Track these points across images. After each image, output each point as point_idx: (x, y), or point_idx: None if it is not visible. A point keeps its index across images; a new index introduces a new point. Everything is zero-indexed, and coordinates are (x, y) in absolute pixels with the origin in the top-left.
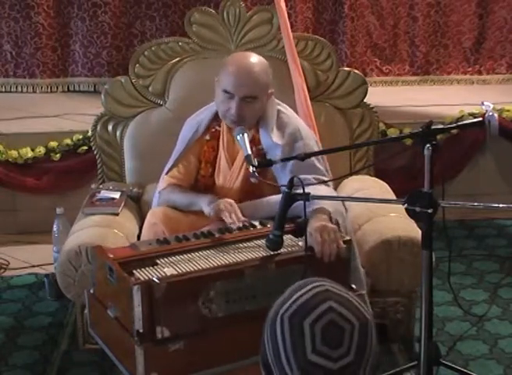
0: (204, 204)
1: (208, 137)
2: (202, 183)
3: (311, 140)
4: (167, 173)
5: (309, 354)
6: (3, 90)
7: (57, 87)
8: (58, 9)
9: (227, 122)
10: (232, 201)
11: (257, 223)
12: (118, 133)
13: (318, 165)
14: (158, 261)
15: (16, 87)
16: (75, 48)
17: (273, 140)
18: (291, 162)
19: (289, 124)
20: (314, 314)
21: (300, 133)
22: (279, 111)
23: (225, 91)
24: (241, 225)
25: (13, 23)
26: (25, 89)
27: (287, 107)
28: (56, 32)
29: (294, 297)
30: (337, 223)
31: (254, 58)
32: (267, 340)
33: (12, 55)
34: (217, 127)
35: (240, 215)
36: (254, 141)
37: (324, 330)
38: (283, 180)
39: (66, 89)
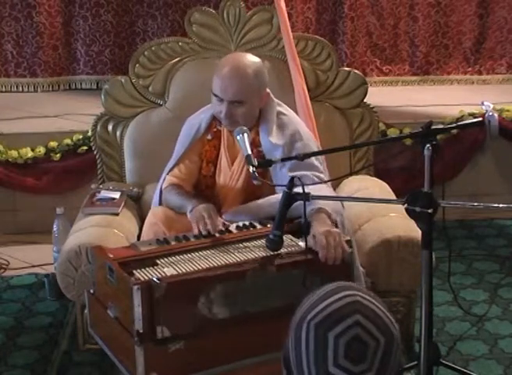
0: (188, 209)
1: (209, 137)
2: (203, 183)
3: (311, 141)
4: (168, 173)
5: (330, 366)
6: (4, 89)
7: (58, 86)
8: (59, 9)
9: (223, 123)
10: (211, 207)
11: (257, 223)
12: (118, 133)
13: (318, 164)
14: (158, 261)
15: (17, 86)
16: (76, 46)
17: (272, 141)
18: (290, 162)
19: (288, 126)
20: (341, 327)
21: (300, 134)
22: (279, 112)
23: (215, 95)
24: (212, 232)
25: (14, 22)
26: (26, 88)
27: (288, 108)
28: (57, 31)
29: (324, 304)
30: (336, 223)
31: (245, 60)
32: (291, 343)
33: (13, 54)
34: (218, 127)
35: (217, 222)
36: (254, 143)
37: (348, 344)
38: (282, 180)
39: (68, 87)
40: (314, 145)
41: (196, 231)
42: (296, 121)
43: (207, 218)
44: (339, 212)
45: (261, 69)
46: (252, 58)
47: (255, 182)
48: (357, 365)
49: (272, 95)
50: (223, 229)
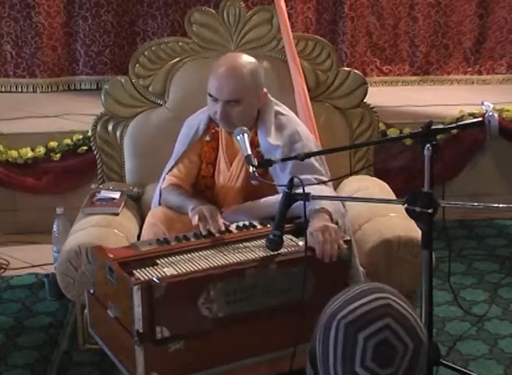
0: (189, 209)
1: (208, 138)
2: (203, 184)
3: (310, 141)
4: (168, 173)
5: (357, 367)
6: (3, 90)
7: (57, 87)
8: (58, 9)
9: (219, 124)
10: (213, 208)
11: (257, 223)
12: (118, 133)
13: (318, 166)
14: (158, 261)
15: (16, 86)
16: (76, 46)
17: (271, 142)
18: (290, 163)
19: (287, 126)
20: (371, 329)
21: (299, 134)
22: (277, 112)
23: (210, 95)
24: (213, 231)
25: (13, 22)
26: (25, 89)
27: (286, 108)
28: (57, 31)
29: (355, 304)
30: (337, 224)
31: (240, 60)
32: (319, 339)
33: (12, 55)
34: (216, 128)
35: (220, 222)
36: (253, 143)
37: (377, 347)
38: (282, 181)
39: (67, 88)
40: (314, 145)
41: (195, 223)
42: (295, 121)
43: (209, 218)
44: (341, 213)
45: (257, 69)
46: (248, 59)
47: (254, 183)
48: (384, 368)
49: (269, 95)
50: (224, 229)
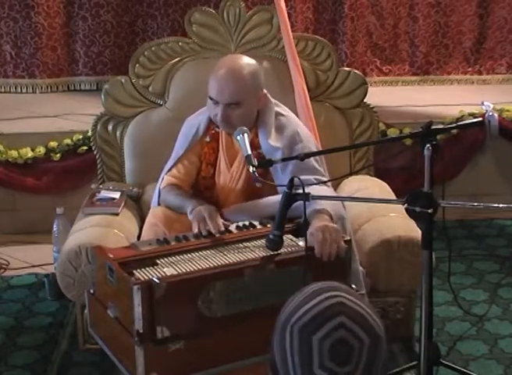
0: (188, 209)
1: (208, 139)
2: (203, 185)
3: (311, 142)
4: (167, 173)
5: (316, 369)
6: (2, 90)
7: (57, 87)
8: (58, 9)
9: (219, 126)
10: (212, 208)
11: (257, 223)
12: (118, 133)
13: (317, 166)
14: (158, 261)
15: (16, 87)
16: (75, 47)
17: (272, 143)
18: (291, 164)
19: (287, 127)
20: (324, 329)
21: (299, 135)
22: (277, 113)
23: (210, 98)
24: (213, 232)
25: (13, 23)
26: (24, 89)
27: (286, 109)
28: (56, 32)
29: (307, 307)
30: (336, 223)
31: (240, 62)
32: (276, 346)
33: (12, 55)
34: (216, 129)
35: (219, 223)
36: (254, 145)
37: (333, 347)
38: (283, 182)
39: (67, 88)
40: (314, 146)
41: (196, 230)
42: (295, 122)
43: (208, 219)
44: (341, 214)
45: (257, 71)
46: (247, 60)
47: (258, 185)
48: (343, 366)
49: (269, 96)
50: (223, 229)
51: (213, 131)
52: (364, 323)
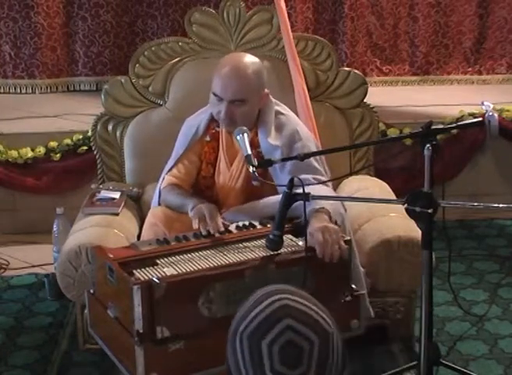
0: (189, 207)
1: (208, 138)
2: (203, 184)
3: (310, 141)
4: (167, 173)
5: (268, 373)
6: (2, 91)
7: (57, 88)
8: (57, 9)
9: (221, 124)
10: (213, 207)
11: (257, 223)
12: (118, 133)
13: (317, 166)
14: (158, 261)
15: (15, 87)
16: (75, 47)
17: (271, 142)
18: (290, 163)
19: (287, 126)
20: (272, 334)
21: (299, 134)
22: (277, 112)
23: (215, 94)
24: (215, 232)
25: (12, 23)
26: (24, 90)
27: (286, 108)
28: (56, 32)
29: (253, 313)
30: (336, 224)
31: (245, 60)
32: (229, 356)
33: (11, 55)
34: (216, 128)
35: (219, 223)
36: (253, 144)
37: (282, 350)
38: (282, 181)
39: (66, 89)
40: (314, 145)
41: (196, 226)
42: (295, 121)
43: (208, 218)
44: (340, 213)
45: (261, 69)
46: (252, 59)
47: (254, 183)
48: (294, 369)
49: (270, 96)
50: (224, 229)
51: (213, 130)
52: (312, 323)
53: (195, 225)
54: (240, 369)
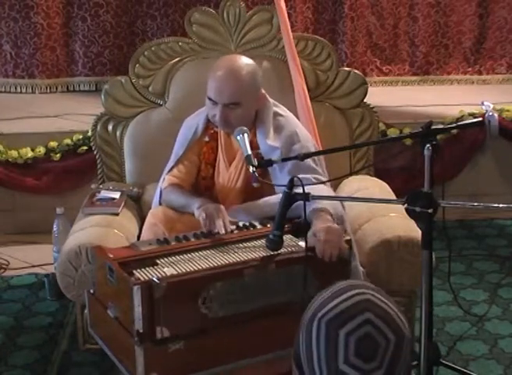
0: (194, 207)
1: (207, 139)
2: (203, 185)
3: (309, 142)
4: (168, 173)
5: (341, 364)
6: (2, 90)
7: (56, 88)
8: (57, 9)
9: (218, 126)
10: (219, 206)
11: (257, 223)
12: (118, 133)
13: (316, 167)
14: (158, 261)
15: (15, 87)
16: (74, 47)
17: (269, 143)
18: (288, 163)
19: (286, 127)
20: (351, 324)
21: (298, 135)
22: (275, 113)
23: (209, 98)
24: (224, 232)
25: (12, 23)
26: (24, 89)
27: (285, 109)
28: (56, 32)
29: (335, 302)
30: (337, 223)
31: (238, 63)
32: (302, 340)
33: (12, 55)
34: (215, 129)
35: (227, 222)
36: (252, 145)
37: (359, 342)
38: (281, 181)
39: (66, 89)
40: (313, 146)
41: (203, 225)
42: (294, 122)
43: (217, 217)
44: (340, 213)
45: (256, 71)
46: (246, 60)
47: (255, 184)
48: (368, 363)
49: (267, 96)
50: (233, 228)
51: (212, 131)
52: (390, 321)
53: (202, 223)
54: (312, 357)
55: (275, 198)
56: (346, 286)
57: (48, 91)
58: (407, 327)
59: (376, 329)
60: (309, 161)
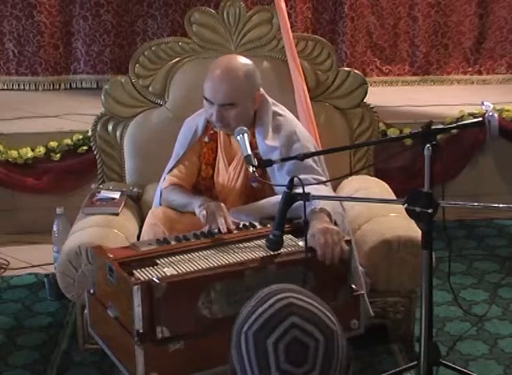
0: (196, 206)
1: (206, 140)
2: (203, 185)
3: (309, 142)
4: (168, 173)
5: (274, 372)
6: (5, 87)
7: (59, 85)
8: (60, 8)
9: (215, 126)
10: (221, 204)
11: (257, 223)
12: (118, 133)
13: (315, 167)
14: (158, 261)
15: (18, 84)
16: (77, 46)
17: (268, 143)
18: (288, 163)
19: (285, 126)
20: (277, 332)
21: (297, 135)
22: (274, 113)
23: (206, 98)
24: (226, 230)
25: (15, 21)
26: (27, 87)
27: (284, 108)
28: (58, 30)
29: (258, 312)
30: (335, 224)
31: (235, 63)
32: (234, 356)
33: (15, 53)
34: (215, 129)
35: (229, 220)
36: (251, 145)
37: (287, 348)
38: (280, 181)
39: (69, 86)
40: (312, 146)
41: (204, 223)
42: (293, 121)
43: (218, 216)
44: (339, 213)
45: (252, 71)
46: (242, 61)
47: (254, 185)
48: (300, 367)
49: (266, 96)
50: (232, 229)
51: (211, 132)
52: (316, 320)
53: (203, 220)
54: (245, 368)
55: (276, 199)
56: (266, 293)
57: (51, 88)
58: (336, 323)
59: (303, 331)
60: (309, 161)
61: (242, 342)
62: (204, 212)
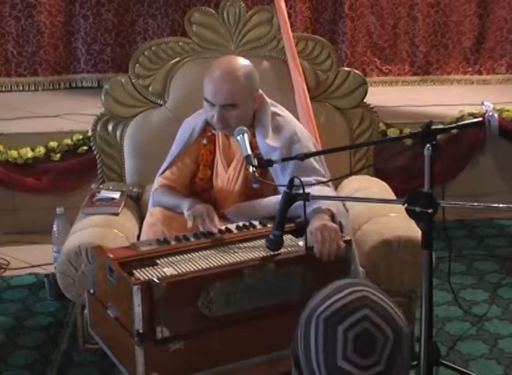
0: (184, 208)
1: (205, 142)
2: (200, 186)
3: (309, 142)
4: (160, 175)
5: (339, 360)
6: (4, 89)
7: (59, 85)
8: (59, 7)
9: (216, 128)
10: (209, 206)
11: (257, 223)
12: (118, 133)
13: (318, 166)
14: (158, 261)
15: (18, 85)
16: (77, 45)
17: (269, 143)
18: (290, 165)
19: (285, 127)
20: (349, 321)
21: (297, 135)
22: (274, 113)
23: (206, 100)
24: (216, 231)
25: (15, 21)
26: (27, 87)
27: (283, 108)
28: (58, 30)
29: (332, 299)
30: (340, 225)
31: (234, 64)
32: (300, 337)
33: (14, 54)
34: (213, 131)
35: (216, 222)
36: (252, 145)
37: (357, 338)
38: (283, 183)
39: (69, 86)
40: (313, 146)
41: (190, 225)
42: (293, 122)
43: (206, 217)
44: (344, 214)
45: (252, 72)
46: (242, 62)
47: (255, 185)
48: (366, 358)
49: (265, 96)
50: (222, 228)
51: (210, 133)
52: (388, 318)
53: (190, 224)
54: (310, 354)
55: (276, 199)
56: (343, 284)
57: (51, 87)
58: (406, 324)
59: (374, 325)
60: (311, 161)
61: (312, 327)
62: (192, 216)
